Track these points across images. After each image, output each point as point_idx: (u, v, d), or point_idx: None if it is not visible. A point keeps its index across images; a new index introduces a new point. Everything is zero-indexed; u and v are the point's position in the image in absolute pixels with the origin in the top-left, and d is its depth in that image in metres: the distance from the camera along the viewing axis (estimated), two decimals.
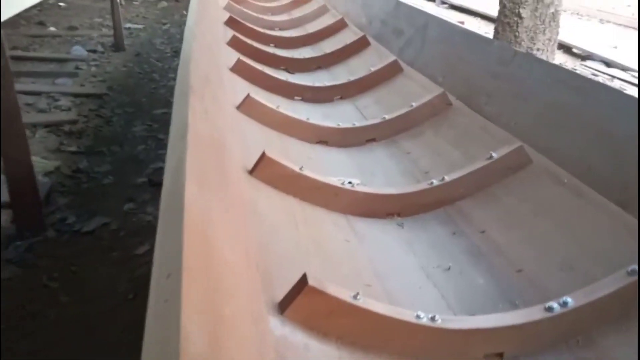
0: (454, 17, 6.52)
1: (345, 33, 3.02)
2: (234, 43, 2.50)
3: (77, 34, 4.84)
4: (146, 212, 2.20)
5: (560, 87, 1.23)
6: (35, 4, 2.38)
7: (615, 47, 5.24)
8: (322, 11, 3.64)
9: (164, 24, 5.61)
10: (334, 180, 1.13)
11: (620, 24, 6.69)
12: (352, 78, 2.14)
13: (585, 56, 5.10)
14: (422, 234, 1.05)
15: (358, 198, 1.10)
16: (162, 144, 2.79)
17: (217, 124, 1.18)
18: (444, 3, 7.92)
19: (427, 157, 1.42)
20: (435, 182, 1.14)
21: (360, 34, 2.73)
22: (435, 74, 1.84)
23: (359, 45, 2.62)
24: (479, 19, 6.73)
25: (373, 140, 1.62)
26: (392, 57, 2.21)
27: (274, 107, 1.56)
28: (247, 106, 1.51)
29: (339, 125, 1.63)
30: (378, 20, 2.71)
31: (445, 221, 1.09)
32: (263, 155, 1.10)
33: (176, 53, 4.40)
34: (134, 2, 6.52)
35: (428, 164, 1.38)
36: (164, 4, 6.50)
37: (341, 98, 2.13)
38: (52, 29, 4.90)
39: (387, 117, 1.62)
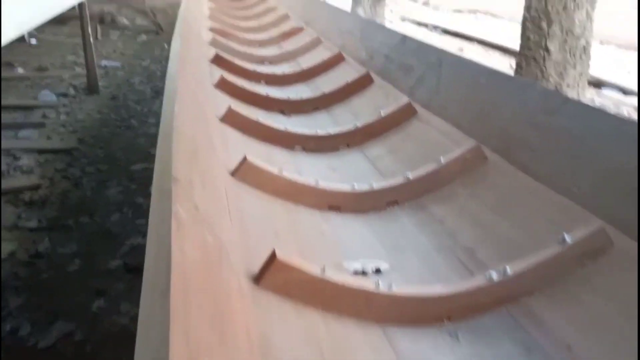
0: (450, 43, 6.48)
1: (344, 68, 2.86)
2: (222, 85, 2.31)
3: (47, 75, 4.57)
4: (120, 311, 1.82)
5: (631, 146, 1.03)
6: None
7: (629, 72, 5.15)
8: (315, 43, 3.49)
9: (143, 59, 5.39)
10: (365, 284, 0.92)
11: (621, 45, 6.71)
12: (359, 124, 1.95)
13: (596, 83, 4.98)
14: (486, 350, 0.83)
15: (395, 302, 0.88)
16: (141, 211, 2.50)
17: (208, 204, 0.97)
18: (436, 28, 7.92)
19: (467, 229, 1.21)
20: (495, 275, 0.92)
21: (362, 69, 2.57)
22: (459, 119, 1.66)
23: (362, 83, 2.44)
24: (476, 45, 6.69)
25: (395, 203, 1.41)
26: (404, 98, 2.03)
27: (276, 171, 1.35)
28: (245, 172, 1.30)
29: (353, 188, 1.41)
30: (381, 55, 2.55)
31: (512, 328, 0.87)
32: (273, 258, 0.88)
33: (157, 93, 4.18)
34: (111, 36, 6.35)
35: (470, 238, 1.17)
36: (144, 37, 6.33)
37: (348, 146, 1.93)
38: (19, 70, 4.64)
39: (411, 175, 1.41)
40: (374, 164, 1.73)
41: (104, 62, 4.88)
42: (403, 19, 9.61)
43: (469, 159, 1.39)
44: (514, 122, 1.39)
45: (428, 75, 2.01)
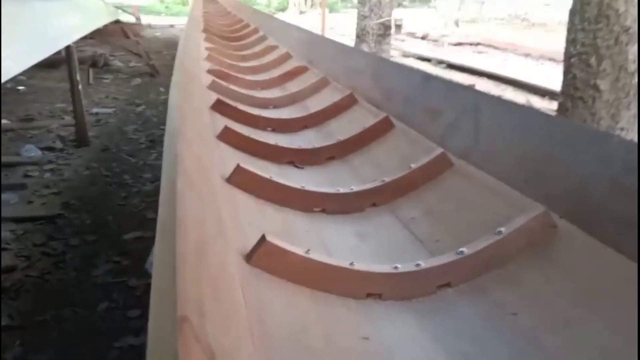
0: (458, 78, 6.37)
1: (358, 111, 2.67)
2: (226, 136, 2.11)
3: (33, 125, 4.33)
4: None
5: None
6: None
7: None
8: (322, 84, 3.33)
9: (138, 104, 5.21)
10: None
11: None
12: (386, 178, 1.73)
13: None
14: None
15: None
16: (134, 297, 2.21)
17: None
18: (440, 63, 7.86)
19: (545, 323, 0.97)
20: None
21: (379, 113, 2.37)
22: (509, 175, 1.44)
23: (381, 128, 2.24)
24: (486, 80, 6.57)
25: (447, 285, 1.16)
26: (434, 147, 1.82)
27: (301, 251, 1.11)
28: (264, 257, 1.06)
29: (396, 268, 1.17)
30: (400, 96, 2.36)
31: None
32: None
33: (152, 142, 3.97)
34: (104, 80, 6.23)
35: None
36: (138, 80, 6.20)
37: (375, 205, 1.70)
38: (4, 121, 4.39)
39: (466, 251, 1.17)
40: (411, 231, 1.50)
41: (95, 110, 4.71)
42: (405, 55, 9.60)
43: (536, 229, 1.16)
44: (585, 182, 1.17)
45: (463, 121, 1.81)
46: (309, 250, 1.12)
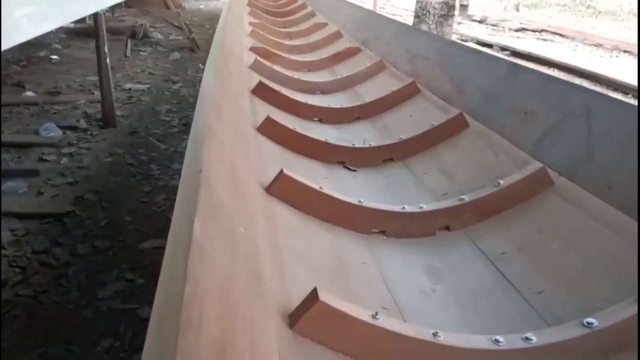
0: None
1: (420, 103, 2.34)
2: (268, 129, 1.82)
3: (59, 100, 4.01)
4: None
5: None
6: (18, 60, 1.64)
7: None
8: (377, 69, 2.99)
9: (175, 82, 4.95)
10: None
11: None
12: (467, 198, 1.39)
13: None
14: None
15: None
16: (144, 331, 1.79)
17: None
18: (504, 50, 7.32)
19: None
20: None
21: (449, 108, 2.04)
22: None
23: (453, 127, 1.91)
24: (557, 71, 6.02)
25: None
26: (524, 158, 1.48)
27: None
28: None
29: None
30: (475, 89, 2.01)
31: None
32: None
33: (186, 127, 3.68)
34: (142, 53, 6.04)
35: None
36: (176, 55, 5.98)
37: (447, 229, 1.38)
38: (29, 93, 4.11)
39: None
40: (490, 261, 1.17)
41: (128, 85, 4.49)
42: (462, 39, 9.07)
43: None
44: None
45: (566, 128, 1.45)
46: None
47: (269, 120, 1.82)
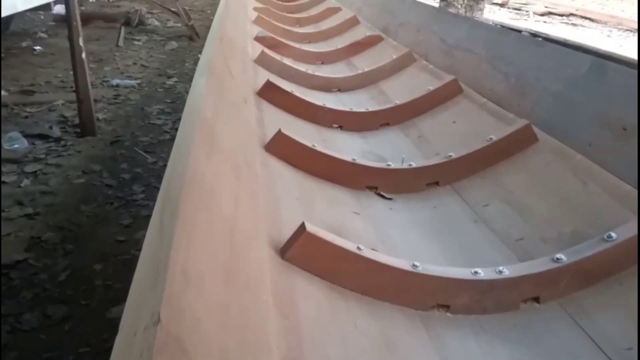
0: None
1: (466, 107, 1.95)
2: (279, 147, 1.44)
3: (33, 100, 3.46)
4: None
5: None
6: None
7: None
8: (405, 61, 2.61)
9: (170, 76, 4.52)
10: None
11: None
12: (565, 258, 1.00)
13: None
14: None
15: None
16: None
17: None
18: (534, 36, 6.86)
19: None
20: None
21: (509, 117, 1.65)
22: None
23: (518, 142, 1.51)
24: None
25: None
26: (631, 192, 1.10)
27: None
28: None
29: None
30: (544, 92, 1.62)
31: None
32: None
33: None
34: (136, 42, 5.64)
35: None
36: (174, 44, 5.57)
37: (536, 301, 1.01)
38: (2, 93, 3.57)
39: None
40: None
41: (116, 81, 4.06)
42: None
43: None
44: None
45: None
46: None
47: (281, 137, 1.44)
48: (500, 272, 0.97)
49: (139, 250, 1.90)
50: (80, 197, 2.54)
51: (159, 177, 2.59)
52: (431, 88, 2.08)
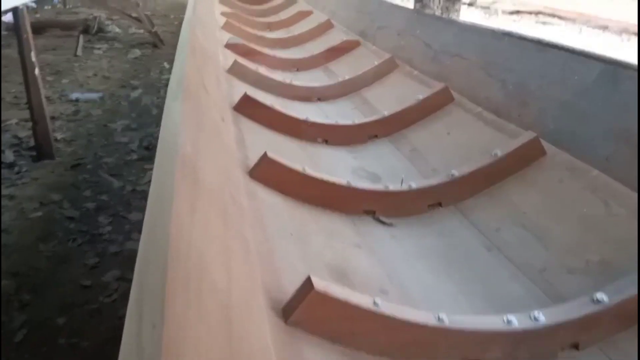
0: None
1: (458, 115, 1.84)
2: (262, 172, 1.29)
3: None
4: None
5: None
6: None
7: None
8: (388, 68, 2.50)
9: (134, 87, 4.27)
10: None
11: None
12: (607, 300, 0.89)
13: None
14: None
15: None
16: None
17: None
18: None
19: None
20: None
21: (511, 128, 1.54)
22: None
23: (525, 156, 1.41)
24: None
25: None
26: None
27: None
28: None
29: None
30: (550, 101, 1.52)
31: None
32: None
33: (148, 151, 2.94)
34: (96, 51, 5.37)
35: None
36: (137, 52, 5.32)
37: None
38: None
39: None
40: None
41: (75, 95, 3.80)
42: None
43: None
44: None
45: None
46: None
47: (266, 162, 1.29)
48: (536, 318, 0.86)
49: (108, 297, 1.66)
50: (37, 234, 2.24)
51: (127, 205, 2.42)
52: (421, 97, 1.96)
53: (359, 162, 1.80)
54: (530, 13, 10.85)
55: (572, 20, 9.89)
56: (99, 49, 5.58)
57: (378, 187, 1.41)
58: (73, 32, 6.29)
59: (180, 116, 0.96)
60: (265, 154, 1.28)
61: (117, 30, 6.82)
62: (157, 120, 3.16)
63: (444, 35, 2.30)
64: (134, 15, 5.95)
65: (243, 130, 1.70)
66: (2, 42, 5.45)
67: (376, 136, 1.97)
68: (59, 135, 3.11)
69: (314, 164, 1.63)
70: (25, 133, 2.88)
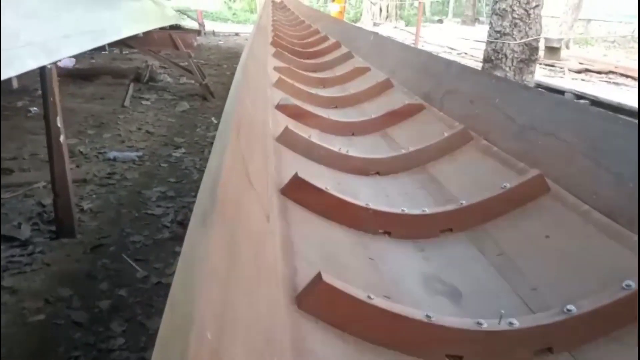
0: None
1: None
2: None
3: (9, 182, 2.86)
4: None
5: None
6: None
7: None
8: (461, 139, 2.20)
9: (177, 146, 4.03)
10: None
11: None
12: None
13: None
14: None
15: None
16: None
17: None
18: (580, 99, 6.46)
19: None
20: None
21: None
22: None
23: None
24: None
25: None
26: None
27: None
28: None
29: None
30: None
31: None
32: None
33: (182, 226, 2.62)
34: (144, 102, 5.33)
35: None
36: (185, 105, 5.24)
37: None
38: None
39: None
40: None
41: (113, 154, 3.62)
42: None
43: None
44: None
45: None
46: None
47: (320, 287, 0.99)
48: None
49: None
50: (34, 346, 1.85)
51: (148, 305, 2.06)
52: (508, 185, 1.64)
53: (431, 266, 1.47)
54: (599, 72, 10.40)
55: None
56: (147, 99, 5.55)
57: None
58: (124, 79, 6.36)
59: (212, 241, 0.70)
60: (319, 277, 0.99)
61: (168, 79, 6.86)
62: (196, 187, 2.93)
63: (531, 108, 2.00)
64: (184, 63, 5.96)
65: (291, 222, 1.42)
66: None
67: (450, 230, 1.65)
68: (85, 205, 2.84)
69: (378, 274, 1.32)
70: (50, 200, 2.63)
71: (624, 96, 7.47)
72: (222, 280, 0.72)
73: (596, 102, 5.87)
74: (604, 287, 1.13)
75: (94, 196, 2.97)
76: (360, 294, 0.98)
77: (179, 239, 2.54)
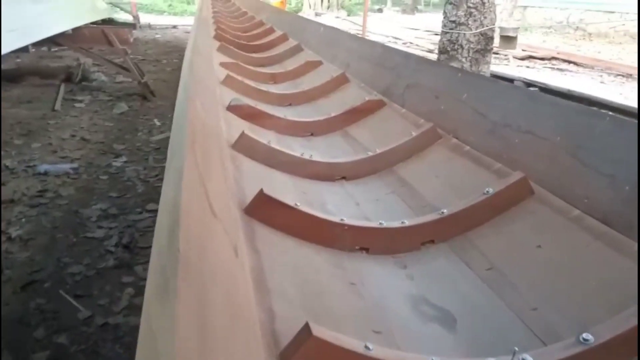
0: None
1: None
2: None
3: None
4: None
5: None
6: None
7: None
8: (429, 138, 2.10)
9: (117, 154, 3.69)
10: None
11: None
12: None
13: None
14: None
15: None
16: None
17: None
18: (530, 86, 6.56)
19: None
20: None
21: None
22: None
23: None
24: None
25: None
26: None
27: None
28: None
29: None
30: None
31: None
32: None
33: (128, 249, 2.34)
34: (77, 104, 4.95)
35: None
36: (123, 107, 4.89)
37: None
38: None
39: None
40: None
41: (44, 167, 3.25)
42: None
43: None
44: None
45: None
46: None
47: (309, 341, 0.85)
48: None
49: None
50: None
51: (94, 355, 1.74)
52: (491, 190, 1.54)
53: (416, 286, 1.35)
54: (542, 59, 10.69)
55: (590, 67, 9.71)
56: (81, 101, 5.17)
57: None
58: (54, 80, 5.95)
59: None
60: (308, 330, 0.85)
61: (103, 78, 6.48)
62: (142, 200, 2.64)
63: (503, 103, 1.92)
64: (119, 60, 5.61)
65: (260, 248, 1.26)
66: None
67: (432, 241, 1.54)
68: (13, 232, 2.48)
69: (362, 300, 1.19)
70: None
71: (571, 82, 7.67)
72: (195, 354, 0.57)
73: (546, 90, 5.97)
74: (614, 306, 1.04)
75: (23, 220, 2.64)
76: (357, 346, 0.86)
77: (125, 266, 2.27)
